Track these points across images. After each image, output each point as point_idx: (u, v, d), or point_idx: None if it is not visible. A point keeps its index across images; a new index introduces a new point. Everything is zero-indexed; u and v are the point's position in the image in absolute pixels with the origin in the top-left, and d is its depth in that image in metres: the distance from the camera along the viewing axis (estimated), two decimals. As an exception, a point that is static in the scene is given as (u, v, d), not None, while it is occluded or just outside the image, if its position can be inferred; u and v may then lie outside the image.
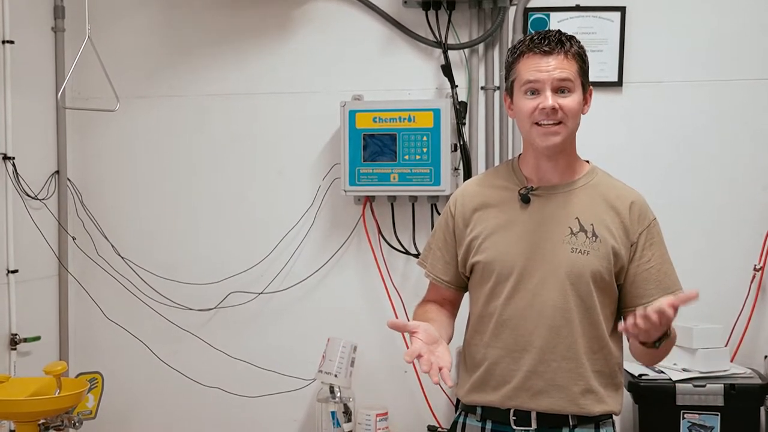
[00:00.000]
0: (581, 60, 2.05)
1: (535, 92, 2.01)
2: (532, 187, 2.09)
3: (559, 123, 2.00)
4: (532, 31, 2.11)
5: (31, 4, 3.34)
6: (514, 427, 2.06)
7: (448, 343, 2.04)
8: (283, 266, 3.39)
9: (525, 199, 2.08)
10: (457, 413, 2.20)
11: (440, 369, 1.85)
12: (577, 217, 2.04)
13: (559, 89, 2.00)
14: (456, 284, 2.19)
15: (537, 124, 2.01)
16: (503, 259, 2.06)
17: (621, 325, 1.96)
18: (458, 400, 2.20)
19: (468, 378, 2.13)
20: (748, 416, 2.81)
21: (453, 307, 2.22)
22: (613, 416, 2.12)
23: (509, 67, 2.08)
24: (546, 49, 2.01)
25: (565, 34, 2.05)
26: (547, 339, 2.02)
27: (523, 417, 2.05)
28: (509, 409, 2.06)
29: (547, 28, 3.17)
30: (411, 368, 3.28)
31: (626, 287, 2.07)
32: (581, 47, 2.07)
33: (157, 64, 3.50)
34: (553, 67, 2.00)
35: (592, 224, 2.04)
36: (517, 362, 2.03)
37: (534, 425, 2.05)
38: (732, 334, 3.08)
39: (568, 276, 2.02)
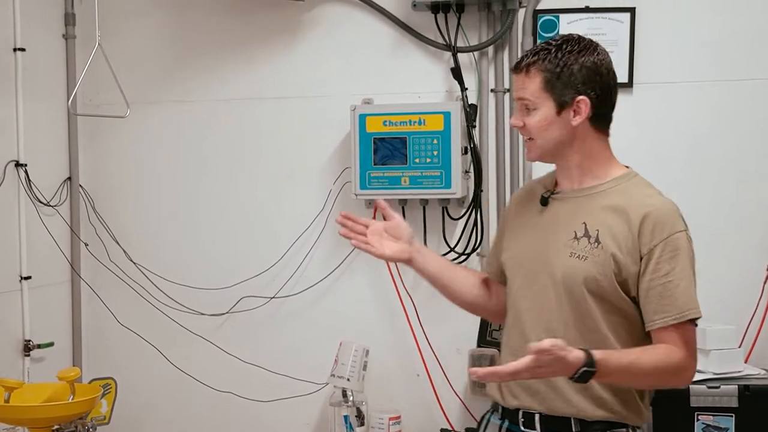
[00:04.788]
0: (550, 73, 2.00)
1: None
2: (552, 190, 2.11)
3: (531, 139, 2.05)
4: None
5: (42, 11, 3.36)
6: (522, 428, 2.07)
7: (435, 276, 2.24)
8: (294, 270, 3.40)
9: (543, 202, 2.11)
10: (488, 410, 2.24)
11: (367, 244, 2.21)
12: (584, 222, 2.02)
13: (525, 107, 2.04)
14: (497, 276, 2.24)
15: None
16: (513, 260, 2.12)
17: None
18: None
19: None
20: (763, 417, 2.79)
21: (494, 295, 2.27)
22: (633, 428, 2.05)
23: None
24: (515, 69, 2.07)
25: (542, 45, 2.04)
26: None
27: (529, 419, 2.06)
28: (518, 410, 2.07)
29: (556, 31, 3.18)
30: (423, 371, 3.28)
31: (641, 302, 1.99)
32: (555, 58, 2.00)
33: (166, 70, 3.51)
34: (517, 86, 2.05)
35: (597, 230, 2.00)
36: None
37: (538, 428, 2.04)
38: (746, 335, 3.06)
39: (564, 280, 2.01)
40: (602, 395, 2.00)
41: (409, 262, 2.23)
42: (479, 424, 2.23)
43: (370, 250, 2.20)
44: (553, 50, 2.02)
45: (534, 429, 2.05)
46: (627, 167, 2.12)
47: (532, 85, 2.01)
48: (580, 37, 2.07)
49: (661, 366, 1.94)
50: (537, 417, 2.04)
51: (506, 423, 2.12)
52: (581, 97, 2.01)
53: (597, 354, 1.88)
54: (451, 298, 2.29)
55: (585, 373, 1.85)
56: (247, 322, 3.45)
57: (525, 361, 1.79)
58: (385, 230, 2.24)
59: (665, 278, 1.95)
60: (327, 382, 3.24)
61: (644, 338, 2.00)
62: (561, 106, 2.02)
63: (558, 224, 2.06)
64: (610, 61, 2.05)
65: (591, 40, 2.07)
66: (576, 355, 1.84)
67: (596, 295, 1.99)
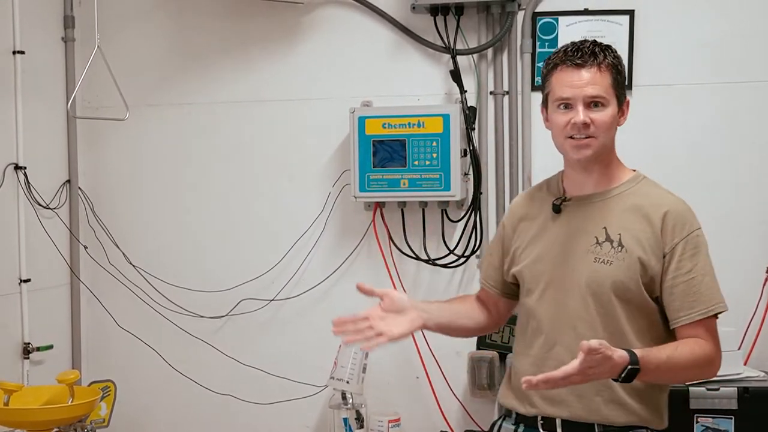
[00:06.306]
0: (616, 72, 2.03)
1: (568, 106, 2.01)
2: (564, 197, 2.10)
3: (590, 137, 2.00)
4: (569, 42, 2.07)
5: (42, 14, 3.36)
6: (541, 431, 2.07)
7: (447, 324, 2.17)
8: (294, 273, 3.40)
9: (556, 210, 2.11)
10: (497, 416, 2.25)
11: (378, 335, 1.98)
12: (604, 227, 2.03)
13: (592, 103, 2.00)
14: (500, 289, 2.24)
15: (570, 137, 2.02)
16: (533, 268, 2.11)
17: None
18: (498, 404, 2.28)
19: (507, 384, 2.19)
20: (762, 420, 2.79)
21: (493, 309, 2.27)
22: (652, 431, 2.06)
23: (544, 79, 2.08)
24: (578, 62, 2.00)
25: (599, 44, 2.04)
26: (571, 349, 1.99)
27: (550, 423, 2.07)
28: (536, 416, 2.08)
29: (555, 33, 3.18)
30: (423, 374, 3.28)
31: (665, 300, 2.01)
32: (616, 57, 2.04)
33: (166, 72, 3.51)
34: (585, 82, 1.99)
35: (619, 234, 2.01)
36: (541, 370, 1.99)
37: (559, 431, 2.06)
38: (745, 337, 3.07)
39: (589, 286, 2.01)
40: (627, 401, 2.01)
41: (423, 327, 2.11)
42: (490, 430, 2.23)
43: (380, 342, 2.00)
44: (609, 49, 2.04)
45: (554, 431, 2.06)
46: (633, 170, 2.13)
47: (606, 81, 2.01)
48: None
49: (695, 358, 1.97)
50: (558, 421, 2.05)
51: (522, 428, 2.12)
52: (628, 98, 2.07)
53: (638, 352, 1.89)
54: (459, 336, 2.34)
55: (631, 371, 1.86)
56: (247, 324, 3.44)
57: (575, 363, 1.79)
58: (383, 310, 2.08)
59: (688, 275, 1.99)
60: (326, 384, 3.24)
61: (666, 339, 2.02)
62: (619, 105, 2.04)
63: (576, 231, 2.06)
64: None
65: None
66: (620, 354, 1.85)
67: (623, 299, 2.00)
